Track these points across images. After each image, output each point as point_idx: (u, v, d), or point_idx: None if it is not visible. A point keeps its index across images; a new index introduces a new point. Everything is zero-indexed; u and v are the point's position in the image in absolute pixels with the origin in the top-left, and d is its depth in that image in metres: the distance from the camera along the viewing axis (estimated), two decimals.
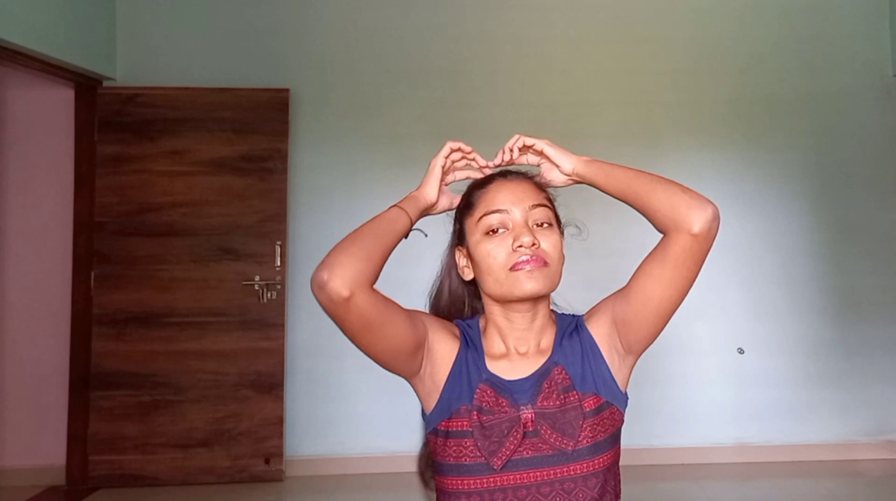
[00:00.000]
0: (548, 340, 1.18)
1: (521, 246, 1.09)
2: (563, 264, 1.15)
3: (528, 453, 1.09)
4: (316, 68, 3.94)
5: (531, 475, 1.09)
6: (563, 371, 1.14)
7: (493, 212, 1.13)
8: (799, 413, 3.88)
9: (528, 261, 1.09)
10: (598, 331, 1.17)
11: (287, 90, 3.80)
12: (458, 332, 1.20)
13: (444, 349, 1.16)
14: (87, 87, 3.75)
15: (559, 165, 1.21)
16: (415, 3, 4.00)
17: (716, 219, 1.07)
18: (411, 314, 1.14)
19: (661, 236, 1.12)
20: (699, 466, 3.77)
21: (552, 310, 1.24)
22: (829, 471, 3.69)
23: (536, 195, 1.16)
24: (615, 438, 1.15)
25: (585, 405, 1.11)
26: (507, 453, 1.08)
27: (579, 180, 1.21)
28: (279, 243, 3.74)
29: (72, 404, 3.67)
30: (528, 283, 1.10)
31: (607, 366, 1.16)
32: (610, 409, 1.13)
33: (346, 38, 3.96)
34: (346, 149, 3.91)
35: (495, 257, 1.11)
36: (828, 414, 3.88)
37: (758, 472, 3.71)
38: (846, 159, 3.99)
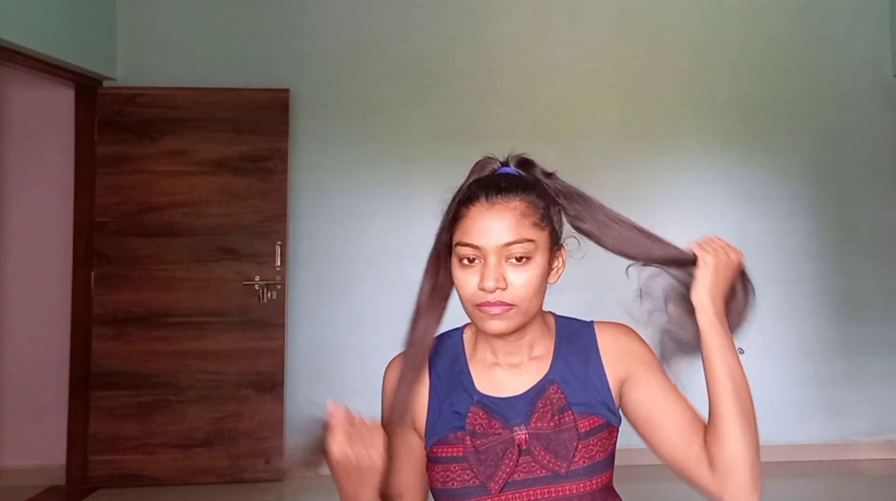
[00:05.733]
0: (542, 347, 1.15)
1: (484, 289, 1.04)
2: (542, 293, 1.09)
3: (521, 475, 1.07)
4: (316, 68, 3.94)
5: (525, 494, 1.07)
6: (559, 390, 1.10)
7: (466, 245, 1.05)
8: (799, 413, 3.88)
9: (491, 304, 1.04)
10: (613, 371, 1.14)
11: (287, 90, 3.80)
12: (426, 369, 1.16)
13: (418, 405, 1.16)
14: (87, 87, 3.75)
15: (697, 286, 1.11)
16: (415, 3, 4.00)
17: None
18: (413, 451, 1.16)
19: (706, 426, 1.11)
20: None
21: (553, 315, 1.20)
22: (829, 471, 3.69)
23: (518, 228, 1.04)
24: (612, 457, 1.12)
25: (581, 425, 1.08)
26: (504, 476, 1.06)
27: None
28: (279, 243, 3.74)
29: (72, 404, 3.68)
30: (493, 323, 1.06)
31: (608, 387, 1.13)
32: (609, 429, 1.11)
33: (346, 38, 3.96)
34: (346, 149, 3.90)
35: (464, 289, 1.07)
36: (828, 414, 3.88)
37: None
38: (846, 159, 3.99)
